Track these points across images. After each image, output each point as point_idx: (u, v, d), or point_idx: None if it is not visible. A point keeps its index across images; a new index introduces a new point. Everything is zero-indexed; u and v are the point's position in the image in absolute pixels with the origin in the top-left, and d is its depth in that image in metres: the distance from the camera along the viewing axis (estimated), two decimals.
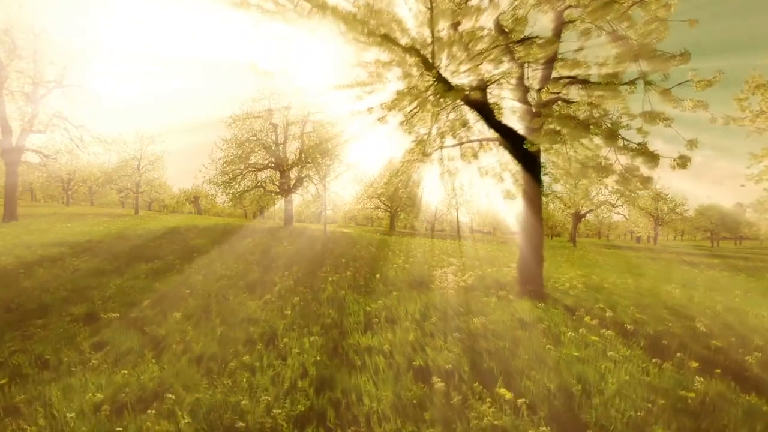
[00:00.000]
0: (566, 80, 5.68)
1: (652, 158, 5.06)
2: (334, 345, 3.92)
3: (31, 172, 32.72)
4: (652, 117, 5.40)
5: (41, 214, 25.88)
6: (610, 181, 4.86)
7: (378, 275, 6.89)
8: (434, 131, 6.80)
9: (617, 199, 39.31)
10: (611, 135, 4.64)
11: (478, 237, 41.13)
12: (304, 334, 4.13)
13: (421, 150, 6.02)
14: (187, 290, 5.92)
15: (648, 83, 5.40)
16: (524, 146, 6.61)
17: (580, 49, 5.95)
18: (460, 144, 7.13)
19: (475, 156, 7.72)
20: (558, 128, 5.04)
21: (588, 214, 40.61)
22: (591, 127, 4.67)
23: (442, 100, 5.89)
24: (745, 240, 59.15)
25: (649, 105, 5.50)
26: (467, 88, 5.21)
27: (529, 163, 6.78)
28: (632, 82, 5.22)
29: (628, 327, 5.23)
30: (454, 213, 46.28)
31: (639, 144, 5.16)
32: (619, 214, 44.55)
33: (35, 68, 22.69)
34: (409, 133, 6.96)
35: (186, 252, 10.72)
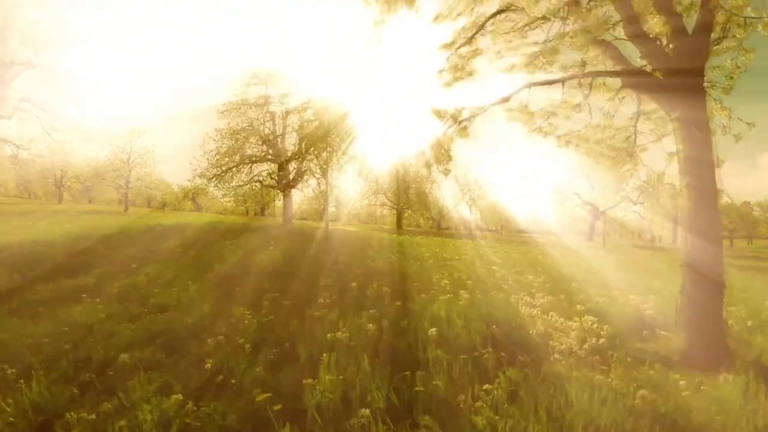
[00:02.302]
0: None
1: None
2: None
3: (10, 166, 30.12)
4: None
5: (12, 212, 23.15)
6: None
7: (428, 325, 3.35)
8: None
9: (639, 195, 36.60)
10: None
11: (488, 236, 37.90)
12: None
13: None
14: (32, 355, 2.80)
15: None
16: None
17: None
18: (565, 80, 3.97)
19: (578, 106, 4.59)
20: None
21: (607, 211, 37.63)
22: None
23: None
24: (756, 239, 58.22)
25: None
26: None
27: (697, 121, 3.64)
28: None
29: None
30: (466, 209, 42.96)
31: None
32: (635, 212, 42.00)
33: (3, 47, 20.02)
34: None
35: (133, 261, 7.64)
